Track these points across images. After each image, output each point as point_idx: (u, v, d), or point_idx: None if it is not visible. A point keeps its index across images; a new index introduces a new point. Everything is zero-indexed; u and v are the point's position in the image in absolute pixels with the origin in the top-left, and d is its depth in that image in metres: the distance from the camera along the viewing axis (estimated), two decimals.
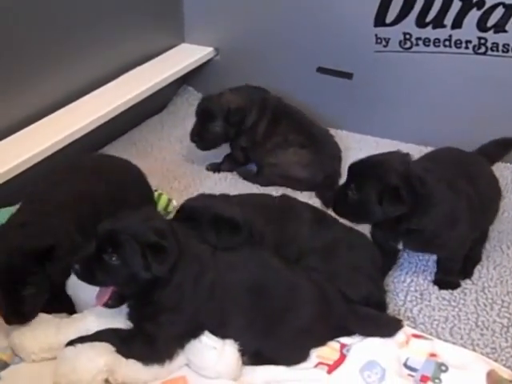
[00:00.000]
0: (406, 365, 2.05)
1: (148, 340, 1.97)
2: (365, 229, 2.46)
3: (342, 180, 2.50)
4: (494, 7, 2.97)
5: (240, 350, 2.01)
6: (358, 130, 3.48)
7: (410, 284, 2.45)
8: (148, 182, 2.55)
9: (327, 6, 3.29)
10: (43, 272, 2.00)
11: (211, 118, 3.08)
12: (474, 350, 2.16)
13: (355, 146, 3.32)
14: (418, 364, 2.05)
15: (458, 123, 3.19)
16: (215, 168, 3.22)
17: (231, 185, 3.11)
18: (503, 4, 2.95)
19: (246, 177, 3.16)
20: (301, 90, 3.42)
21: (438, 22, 3.11)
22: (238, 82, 3.25)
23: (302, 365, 2.06)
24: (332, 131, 3.26)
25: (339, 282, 2.20)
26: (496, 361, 2.12)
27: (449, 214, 2.26)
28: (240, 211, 2.25)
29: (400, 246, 2.38)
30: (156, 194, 2.71)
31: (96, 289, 2.00)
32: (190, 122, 3.19)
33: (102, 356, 1.90)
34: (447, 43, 3.13)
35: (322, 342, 2.11)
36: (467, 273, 2.49)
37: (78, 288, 2.12)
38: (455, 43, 3.11)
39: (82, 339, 1.98)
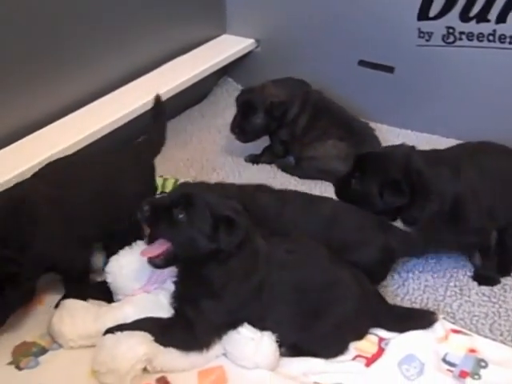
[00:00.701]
0: (444, 360, 2.04)
1: (187, 327, 1.98)
2: None
3: None
4: None
5: (278, 342, 2.02)
6: (397, 124, 3.46)
7: (449, 279, 2.43)
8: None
9: None
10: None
11: (253, 110, 3.07)
12: None
13: (395, 140, 3.28)
14: (457, 359, 2.04)
15: (500, 119, 3.15)
16: (254, 160, 3.23)
17: (270, 177, 3.10)
18: None
19: (285, 169, 3.16)
20: (341, 83, 3.40)
21: (482, 17, 3.06)
22: (278, 74, 3.25)
23: (340, 357, 2.07)
24: (372, 125, 3.24)
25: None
26: None
27: (449, 206, 2.25)
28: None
29: None
30: (161, 179, 2.76)
31: (138, 278, 2.05)
32: (230, 112, 3.20)
33: (142, 345, 1.92)
34: (491, 38, 3.08)
35: (360, 336, 2.11)
36: (505, 270, 2.46)
37: (117, 275, 2.15)
38: (499, 38, 3.07)
39: (121, 327, 2.00)
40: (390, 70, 3.39)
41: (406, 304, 2.31)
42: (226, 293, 1.97)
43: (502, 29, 3.04)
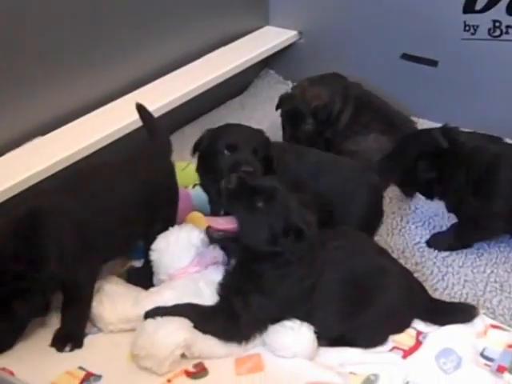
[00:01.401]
0: (482, 354, 2.01)
1: (231, 317, 1.98)
2: None
3: None
4: None
5: (317, 333, 2.02)
6: (439, 119, 3.36)
7: (489, 275, 2.40)
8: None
9: None
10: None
11: (301, 118, 3.00)
12: None
13: None
14: (495, 354, 2.01)
15: None
16: None
17: None
18: None
19: None
20: (384, 76, 3.38)
21: None
22: (320, 66, 3.23)
23: (378, 348, 2.05)
24: (414, 120, 3.20)
25: None
26: None
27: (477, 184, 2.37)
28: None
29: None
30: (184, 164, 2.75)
31: (182, 257, 2.11)
32: (270, 104, 3.19)
33: (181, 331, 1.93)
34: None
35: (403, 328, 2.10)
36: None
37: (163, 252, 2.18)
38: None
39: (160, 310, 2.01)
40: (433, 63, 3.34)
41: (445, 298, 2.28)
42: (276, 293, 1.97)
43: None
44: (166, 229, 2.22)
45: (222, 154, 2.23)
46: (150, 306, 2.04)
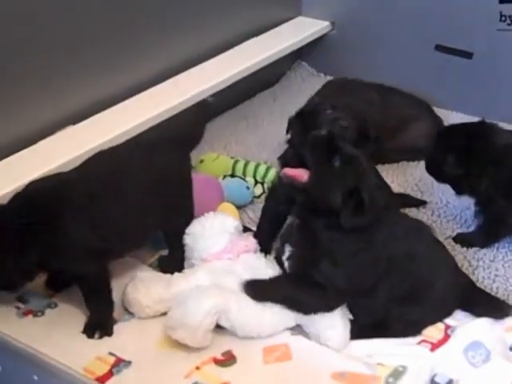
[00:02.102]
0: (511, 348, 1.99)
1: (318, 289, 2.00)
2: None
3: None
4: None
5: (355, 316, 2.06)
6: (475, 113, 3.33)
7: None
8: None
9: None
10: None
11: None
12: None
13: None
14: None
15: None
16: None
17: None
18: None
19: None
20: (417, 68, 3.35)
21: None
22: (353, 58, 3.23)
23: (406, 340, 2.06)
24: (447, 113, 3.18)
25: None
26: None
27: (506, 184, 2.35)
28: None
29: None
30: (231, 161, 2.81)
31: (216, 243, 2.16)
32: (303, 97, 3.16)
33: (209, 299, 1.95)
34: None
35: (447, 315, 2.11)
36: None
37: (198, 236, 2.21)
38: None
39: (255, 282, 2.05)
40: (468, 55, 3.30)
41: None
42: (340, 257, 1.99)
43: None
44: (186, 221, 2.26)
45: (324, 111, 2.31)
46: (183, 286, 2.08)
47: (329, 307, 2.01)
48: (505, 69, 3.21)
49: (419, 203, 2.71)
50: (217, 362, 1.96)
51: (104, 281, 2.09)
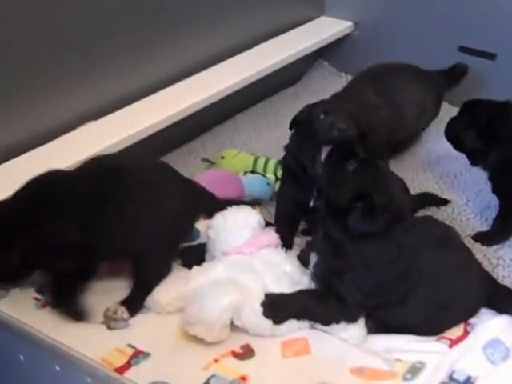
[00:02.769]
0: None
1: (339, 300, 1.99)
2: None
3: None
4: None
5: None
6: None
7: None
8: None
9: None
10: None
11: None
12: None
13: None
14: None
15: None
16: None
17: None
18: None
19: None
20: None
21: None
22: (375, 58, 3.18)
23: (425, 337, 2.05)
24: None
25: None
26: None
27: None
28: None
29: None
30: (252, 157, 2.82)
31: (238, 236, 2.18)
32: (323, 96, 3.15)
33: (227, 295, 1.96)
34: None
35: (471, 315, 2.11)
36: None
37: (221, 229, 2.22)
38: None
39: (274, 295, 2.04)
40: (491, 57, 3.29)
41: None
42: (362, 269, 1.96)
43: None
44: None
45: (317, 118, 2.26)
46: (201, 279, 2.09)
47: (350, 319, 2.01)
48: None
49: (442, 202, 2.69)
50: (235, 355, 1.96)
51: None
